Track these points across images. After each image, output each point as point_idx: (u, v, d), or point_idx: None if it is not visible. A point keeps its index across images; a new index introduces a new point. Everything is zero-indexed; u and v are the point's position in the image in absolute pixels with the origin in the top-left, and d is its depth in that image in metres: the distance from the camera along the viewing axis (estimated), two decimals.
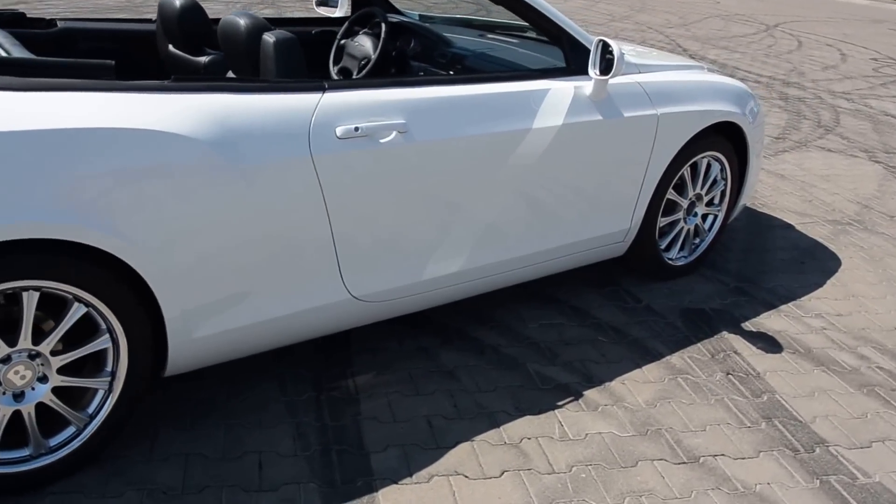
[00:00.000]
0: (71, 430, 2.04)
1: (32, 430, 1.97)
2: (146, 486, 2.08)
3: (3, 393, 1.91)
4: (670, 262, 3.46)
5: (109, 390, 2.06)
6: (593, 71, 2.74)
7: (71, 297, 1.90)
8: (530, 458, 2.30)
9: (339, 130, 2.24)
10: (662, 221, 3.35)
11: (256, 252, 2.17)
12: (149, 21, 3.33)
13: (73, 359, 1.98)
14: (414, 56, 3.55)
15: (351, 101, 2.30)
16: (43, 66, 2.00)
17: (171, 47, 2.98)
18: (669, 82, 3.13)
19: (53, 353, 1.95)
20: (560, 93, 2.77)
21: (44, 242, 1.82)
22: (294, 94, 2.22)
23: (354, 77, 3.33)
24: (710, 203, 3.55)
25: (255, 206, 2.11)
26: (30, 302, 1.85)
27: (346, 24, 3.65)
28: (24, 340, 1.88)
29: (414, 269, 2.56)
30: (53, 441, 2.03)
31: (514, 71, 2.93)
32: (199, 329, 2.16)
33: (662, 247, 3.42)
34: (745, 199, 3.67)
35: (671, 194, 3.30)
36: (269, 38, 2.43)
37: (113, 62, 2.07)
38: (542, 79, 2.79)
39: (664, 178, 3.18)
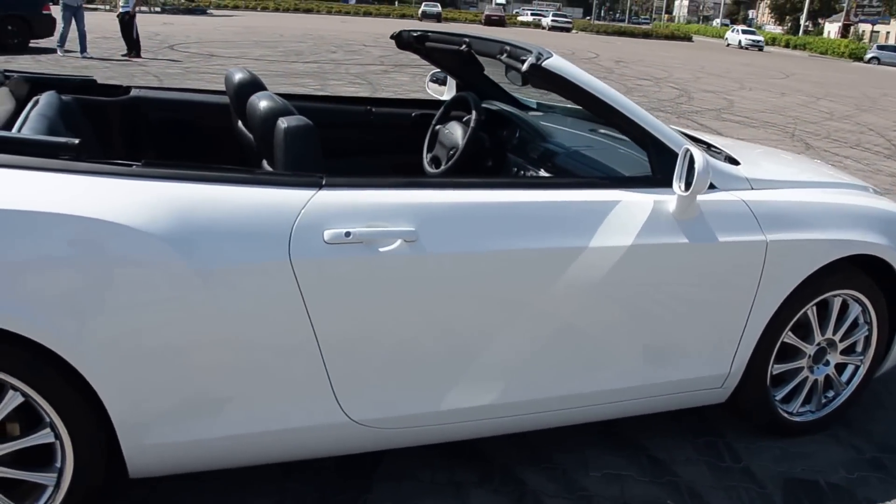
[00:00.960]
0: None
1: None
2: None
3: None
4: (789, 416, 2.89)
5: (56, 488, 1.97)
6: (677, 185, 2.37)
7: (7, 384, 1.85)
8: None
9: (327, 234, 2.03)
10: (779, 368, 2.80)
11: (225, 360, 2.01)
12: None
13: (11, 449, 1.91)
14: (512, 149, 3.33)
15: (350, 201, 2.09)
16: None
17: (239, 123, 2.93)
18: (789, 203, 2.64)
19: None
20: (633, 207, 2.41)
21: None
22: (282, 188, 2.04)
23: (442, 168, 3.16)
24: (848, 350, 2.94)
25: (220, 311, 1.95)
26: None
27: (441, 108, 3.50)
28: None
29: (428, 398, 2.29)
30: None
31: (581, 177, 2.60)
32: (157, 435, 2.02)
33: (778, 398, 2.86)
34: None
35: (790, 337, 2.77)
36: (282, 123, 2.27)
37: (77, 140, 1.94)
38: (616, 188, 2.45)
39: (777, 318, 2.66)
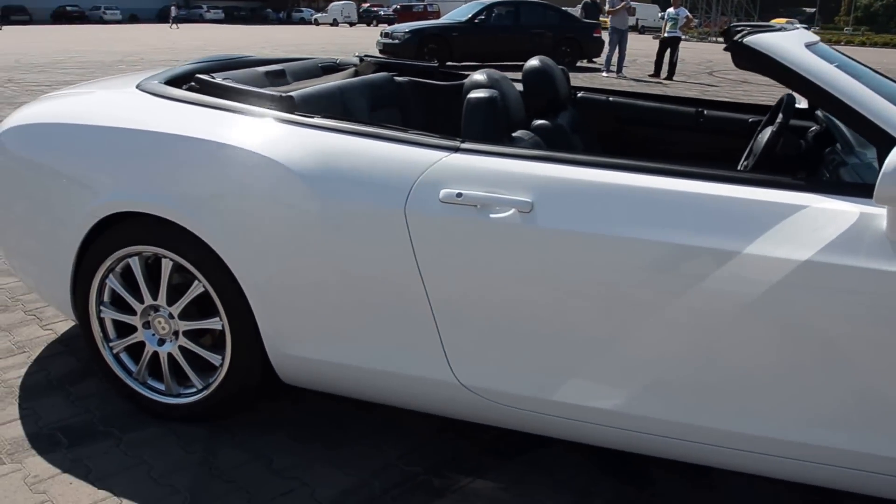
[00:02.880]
0: (193, 388, 2.55)
1: (165, 370, 2.55)
2: None
3: (153, 334, 2.54)
4: None
5: (221, 367, 2.46)
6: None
7: (193, 275, 2.40)
8: None
9: (442, 193, 2.08)
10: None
11: (349, 295, 2.21)
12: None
13: (192, 328, 2.47)
14: (831, 161, 2.70)
15: (477, 166, 2.10)
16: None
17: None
18: None
19: (181, 316, 2.46)
20: (821, 216, 1.83)
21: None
22: (421, 148, 2.18)
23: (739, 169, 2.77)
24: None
25: (347, 249, 2.16)
26: (166, 267, 2.41)
27: (770, 112, 3.02)
28: (162, 299, 2.47)
29: (535, 381, 2.10)
30: (182, 389, 2.58)
31: (763, 175, 1.98)
32: (293, 348, 2.35)
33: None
34: None
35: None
36: (471, 96, 2.42)
37: (291, 94, 2.49)
38: (811, 192, 1.88)
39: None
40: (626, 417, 2.04)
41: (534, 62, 2.98)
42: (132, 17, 60.69)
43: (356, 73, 3.55)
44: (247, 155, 2.25)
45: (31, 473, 2.30)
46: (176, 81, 2.85)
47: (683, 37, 16.89)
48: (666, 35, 15.39)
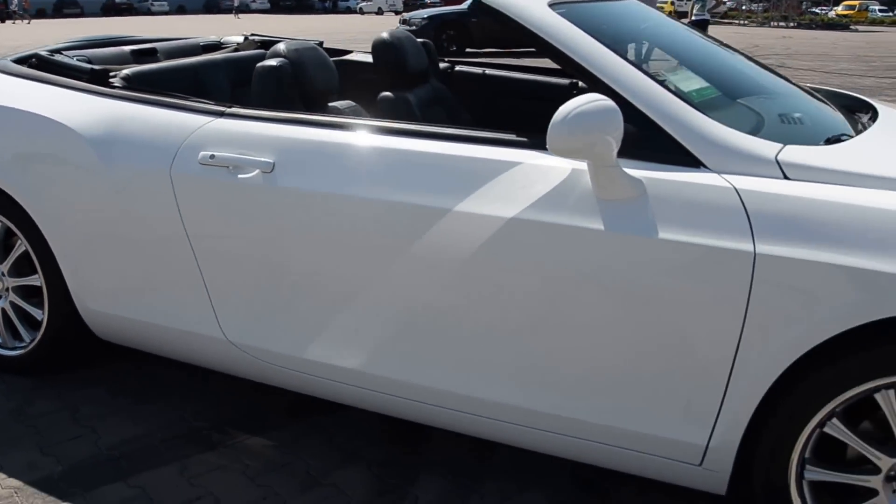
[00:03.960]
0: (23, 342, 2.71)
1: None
2: None
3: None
4: None
5: (42, 323, 2.62)
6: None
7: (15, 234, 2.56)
8: None
9: (200, 155, 2.23)
10: (822, 475, 1.77)
11: (133, 253, 2.39)
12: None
13: (17, 284, 2.66)
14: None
15: (236, 130, 2.24)
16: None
17: None
18: (824, 203, 1.66)
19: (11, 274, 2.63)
20: (536, 172, 1.90)
21: None
22: (190, 113, 2.33)
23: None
24: None
25: (127, 207, 2.36)
26: None
27: None
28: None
29: (296, 340, 2.23)
30: (18, 343, 2.75)
31: (488, 133, 2.05)
32: (96, 304, 2.54)
33: None
34: None
35: (836, 429, 1.73)
36: (258, 65, 2.56)
37: (90, 66, 2.67)
38: (531, 149, 1.95)
39: (800, 387, 1.71)
40: (364, 377, 2.15)
41: (383, 35, 3.07)
42: (180, 9, 62.15)
43: (235, 52, 3.70)
44: (46, 122, 2.45)
45: None
46: (28, 59, 3.05)
47: (712, 19, 16.60)
48: (693, 18, 15.14)
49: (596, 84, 1.91)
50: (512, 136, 1.98)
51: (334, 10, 65.24)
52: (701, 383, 1.77)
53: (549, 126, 1.72)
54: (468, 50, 16.85)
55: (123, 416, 2.57)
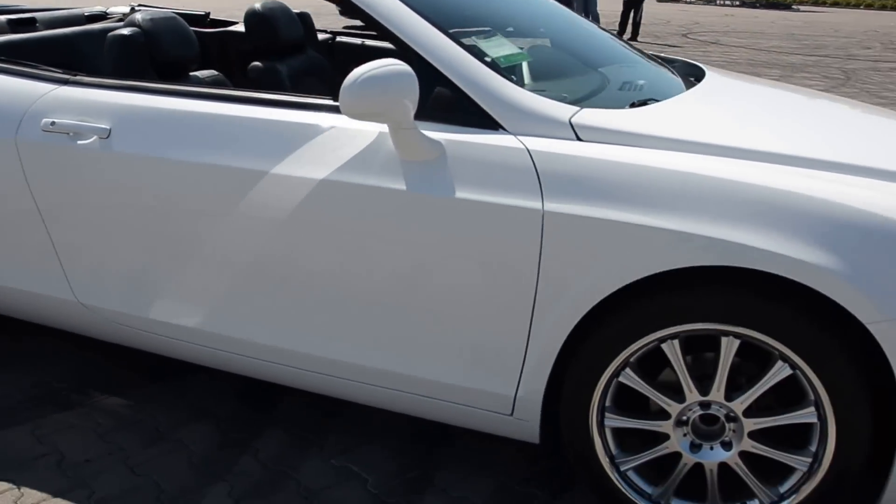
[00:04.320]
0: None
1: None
2: None
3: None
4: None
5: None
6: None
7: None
8: None
9: (42, 122, 2.28)
10: (624, 423, 1.90)
11: None
12: None
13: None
14: None
15: (76, 97, 2.29)
16: None
17: None
18: (636, 167, 1.75)
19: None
20: (345, 136, 1.98)
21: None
22: (38, 81, 2.38)
23: None
24: (777, 438, 1.82)
25: None
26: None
27: None
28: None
29: (142, 302, 2.29)
30: None
31: (303, 98, 2.13)
32: None
33: (628, 466, 1.93)
34: None
35: (630, 379, 1.84)
36: (109, 35, 2.59)
37: None
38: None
39: (601, 338, 1.82)
40: (204, 335, 2.23)
41: (255, 6, 3.11)
42: None
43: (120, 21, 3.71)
44: None
45: None
46: None
47: None
48: None
49: (401, 47, 1.99)
50: (328, 101, 2.06)
51: None
52: (504, 336, 1.87)
53: (341, 89, 1.78)
54: None
55: None
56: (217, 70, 3.02)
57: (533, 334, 1.84)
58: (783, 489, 1.80)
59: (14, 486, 2.09)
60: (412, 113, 1.81)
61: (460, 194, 1.83)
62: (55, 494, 2.06)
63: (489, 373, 1.93)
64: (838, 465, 1.73)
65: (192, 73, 2.72)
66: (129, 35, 2.57)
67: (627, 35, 15.36)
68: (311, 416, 2.43)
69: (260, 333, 2.15)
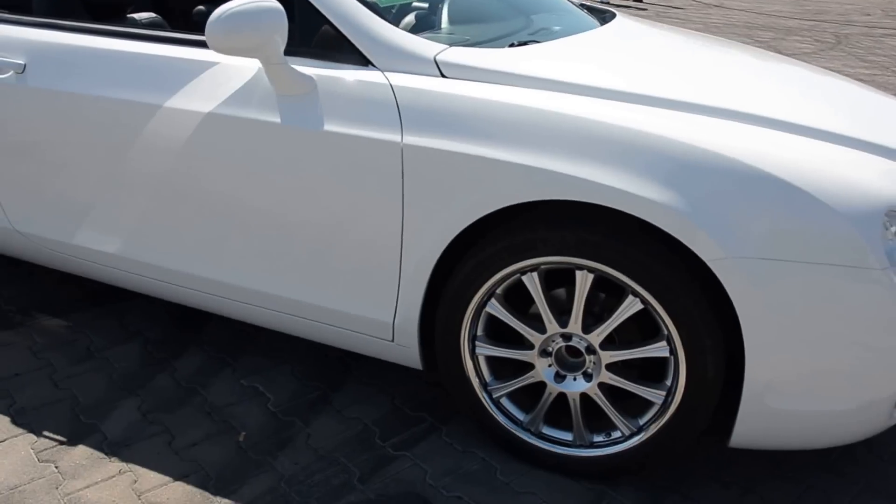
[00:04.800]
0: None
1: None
2: None
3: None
4: (517, 427, 2.07)
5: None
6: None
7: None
8: None
9: None
10: (493, 351, 2.02)
11: None
12: None
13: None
14: None
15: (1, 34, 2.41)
16: None
17: None
18: (489, 102, 1.85)
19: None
20: (231, 71, 2.10)
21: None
22: None
23: None
24: (640, 373, 1.95)
25: None
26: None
27: None
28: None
29: (67, 229, 2.44)
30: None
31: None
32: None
33: (498, 394, 2.06)
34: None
35: (496, 309, 1.97)
36: None
37: None
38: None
39: (467, 270, 1.93)
40: (124, 261, 2.38)
41: None
42: None
43: None
44: None
45: None
46: None
47: None
48: None
49: None
50: None
51: None
52: (379, 265, 2.00)
53: (206, 25, 1.87)
54: None
55: None
56: (159, 13, 3.12)
57: (404, 263, 1.96)
58: (642, 421, 1.90)
59: None
60: (281, 48, 1.91)
61: (329, 127, 1.94)
62: None
63: (368, 300, 2.05)
64: (690, 399, 1.80)
65: (129, 16, 2.82)
66: None
67: None
68: (232, 340, 2.60)
69: (162, 258, 2.30)
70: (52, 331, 2.63)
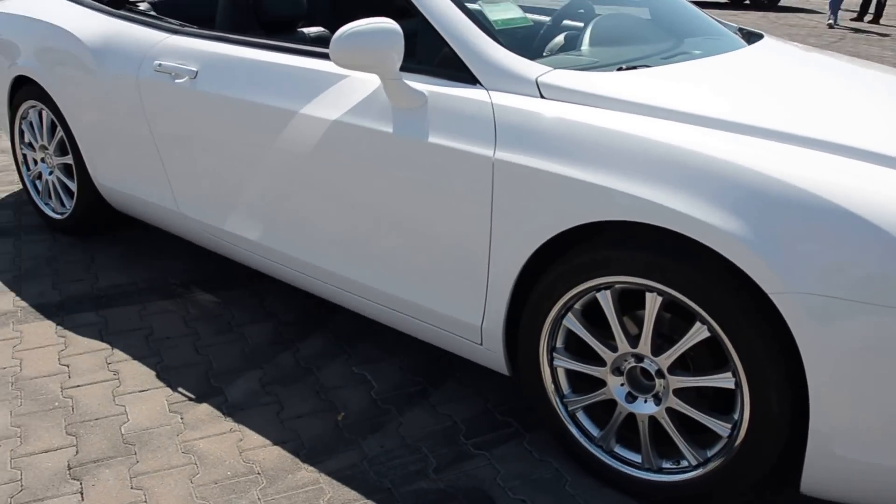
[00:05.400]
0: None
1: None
2: None
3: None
4: (588, 443, 2.12)
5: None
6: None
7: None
8: None
9: (154, 63, 2.83)
10: (566, 362, 2.08)
11: (121, 139, 3.04)
12: None
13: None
14: None
15: (179, 44, 2.82)
16: None
17: None
18: (559, 120, 1.95)
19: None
20: (357, 84, 2.33)
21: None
22: (155, 30, 2.95)
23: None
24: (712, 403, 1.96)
25: (112, 103, 3.00)
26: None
27: None
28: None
29: (220, 216, 2.79)
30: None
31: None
32: (104, 179, 3.23)
33: (575, 406, 2.13)
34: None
35: (573, 324, 2.03)
36: None
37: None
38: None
39: (545, 282, 2.04)
40: (262, 248, 2.69)
41: None
42: None
43: None
44: (65, 33, 3.17)
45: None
46: None
47: None
48: None
49: (410, 6, 2.27)
50: None
51: None
52: (470, 268, 2.13)
53: (331, 42, 2.09)
54: None
55: (121, 269, 3.27)
56: (330, 28, 3.46)
57: (491, 271, 2.09)
58: (710, 453, 1.90)
59: (108, 347, 2.69)
60: (397, 65, 2.09)
61: (433, 139, 2.10)
62: (134, 358, 2.63)
63: (461, 302, 2.19)
64: (754, 434, 1.78)
65: (299, 30, 3.17)
66: None
67: (868, 17, 14.26)
68: (354, 332, 2.84)
69: (289, 247, 2.57)
70: (203, 304, 3.00)
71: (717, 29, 2.89)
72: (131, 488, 2.04)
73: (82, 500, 1.99)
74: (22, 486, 2.03)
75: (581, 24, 2.74)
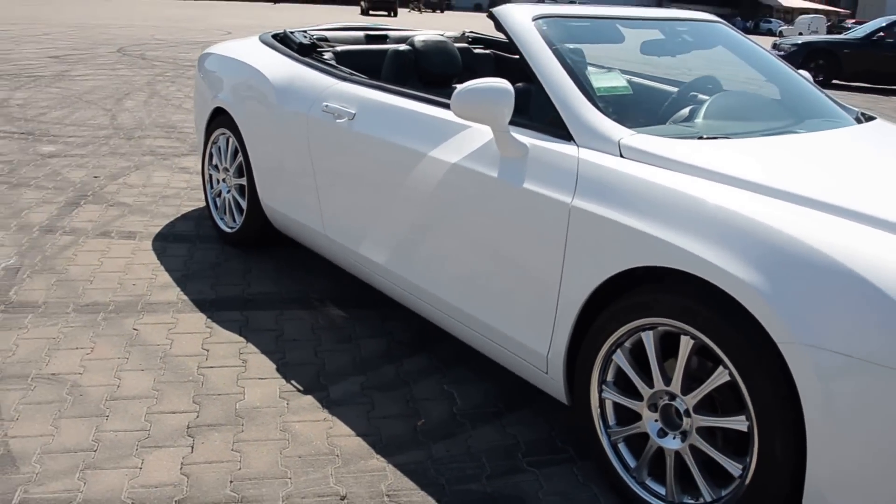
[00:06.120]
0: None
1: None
2: None
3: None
4: (632, 478, 2.34)
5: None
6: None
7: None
8: None
9: (322, 104, 3.37)
10: (611, 395, 2.31)
11: (287, 170, 3.60)
12: None
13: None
14: None
15: (345, 90, 3.35)
16: None
17: None
18: (629, 177, 2.23)
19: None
20: (469, 133, 2.70)
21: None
22: (329, 77, 3.50)
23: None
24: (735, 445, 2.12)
25: (287, 138, 3.55)
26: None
27: None
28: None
29: (357, 241, 3.22)
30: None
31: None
32: (266, 199, 3.86)
33: (614, 437, 2.33)
34: None
35: (620, 359, 2.26)
36: (389, 49, 3.60)
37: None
38: None
39: (600, 320, 2.28)
40: (388, 273, 3.10)
41: None
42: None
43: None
44: (257, 72, 3.80)
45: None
46: (278, 34, 4.44)
47: None
48: None
49: (530, 71, 2.63)
50: None
51: (755, 30, 63.47)
52: (543, 301, 2.42)
53: (452, 96, 2.48)
54: (834, 81, 16.19)
55: (271, 279, 3.83)
56: None
57: (559, 306, 2.36)
58: (725, 492, 2.05)
59: (244, 341, 3.20)
60: (506, 119, 2.44)
61: (526, 186, 2.43)
62: (262, 352, 3.12)
63: (533, 331, 2.47)
64: (759, 478, 1.92)
65: (453, 84, 3.62)
66: (402, 51, 3.56)
67: None
68: (454, 356, 3.17)
69: (407, 271, 2.96)
70: (332, 317, 3.47)
71: (836, 112, 3.04)
72: (231, 450, 2.48)
73: (192, 451, 2.46)
74: (149, 434, 2.53)
75: (707, 98, 2.99)
